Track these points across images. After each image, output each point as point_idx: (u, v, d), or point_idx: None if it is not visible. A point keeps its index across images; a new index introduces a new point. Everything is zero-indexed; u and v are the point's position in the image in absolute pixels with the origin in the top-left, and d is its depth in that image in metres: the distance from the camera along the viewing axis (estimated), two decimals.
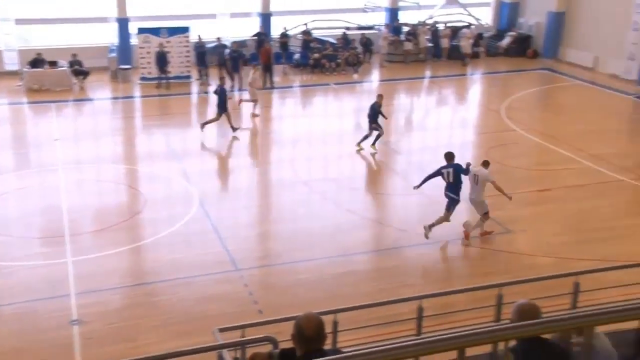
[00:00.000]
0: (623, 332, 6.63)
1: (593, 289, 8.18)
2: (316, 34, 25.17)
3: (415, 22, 26.52)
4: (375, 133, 15.59)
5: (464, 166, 11.53)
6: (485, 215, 11.57)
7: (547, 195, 13.66)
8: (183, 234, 11.44)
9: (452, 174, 11.42)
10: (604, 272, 7.99)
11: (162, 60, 21.30)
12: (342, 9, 26.77)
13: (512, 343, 3.36)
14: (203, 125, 16.81)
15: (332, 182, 14.00)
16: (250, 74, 18.69)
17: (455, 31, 26.46)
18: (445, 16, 27.48)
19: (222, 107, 16.65)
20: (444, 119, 19.31)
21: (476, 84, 24.33)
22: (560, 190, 13.64)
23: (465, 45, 25.51)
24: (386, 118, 15.98)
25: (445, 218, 11.40)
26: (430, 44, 25.94)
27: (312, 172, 14.63)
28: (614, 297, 7.86)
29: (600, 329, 4.69)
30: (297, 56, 24.16)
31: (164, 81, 21.48)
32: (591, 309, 2.85)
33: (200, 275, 10.04)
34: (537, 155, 15.91)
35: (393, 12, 26.91)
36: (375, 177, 14.63)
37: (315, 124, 18.24)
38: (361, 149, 15.60)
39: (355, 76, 23.38)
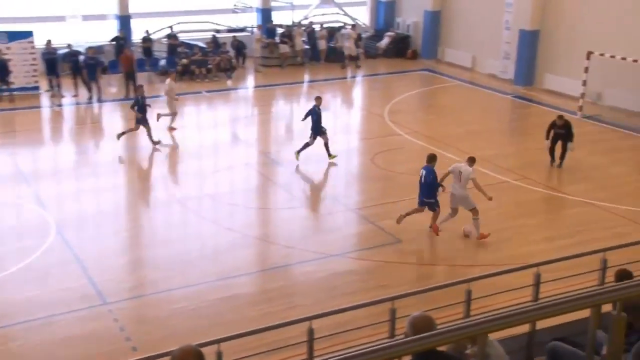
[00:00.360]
0: (514, 338, 7.10)
1: (485, 295, 8.68)
2: (183, 37, 24.82)
3: (289, 23, 26.90)
4: (320, 141, 15.76)
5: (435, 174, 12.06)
6: (474, 211, 12.21)
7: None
8: (37, 268, 10.81)
9: (425, 176, 12.14)
10: (494, 277, 8.50)
11: (1, 69, 20.06)
12: (210, 10, 26.57)
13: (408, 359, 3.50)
14: (119, 135, 16.70)
15: (209, 199, 13.84)
16: (167, 82, 18.20)
17: (332, 32, 27.17)
18: (320, 16, 28.16)
19: (144, 118, 16.47)
20: (326, 126, 19.70)
21: (357, 87, 25.11)
22: (447, 196, 14.37)
23: (350, 46, 26.19)
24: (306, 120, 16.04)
25: (437, 213, 12.18)
26: (307, 46, 26.41)
27: (187, 189, 14.40)
28: (505, 302, 8.39)
29: (493, 336, 4.99)
30: (162, 62, 23.67)
31: (5, 93, 20.24)
32: (483, 317, 3.02)
33: (62, 314, 9.53)
34: (423, 160, 16.53)
35: (265, 13, 27.13)
36: (257, 191, 14.65)
37: (189, 136, 17.97)
38: (333, 156, 15.84)
39: (229, 82, 23.32)
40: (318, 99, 16.00)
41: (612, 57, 19.06)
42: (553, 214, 13.62)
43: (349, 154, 17.48)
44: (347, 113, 21.70)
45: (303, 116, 16.05)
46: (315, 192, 14.87)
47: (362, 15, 29.37)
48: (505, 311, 3.06)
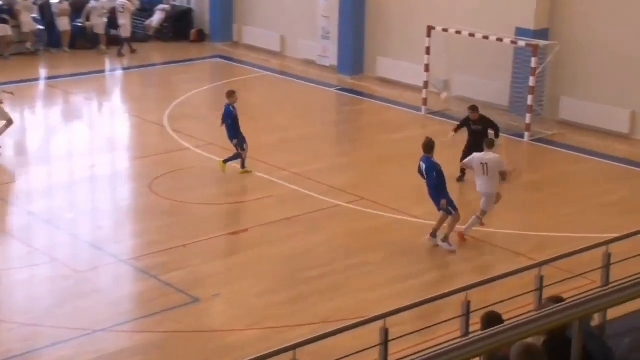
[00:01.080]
0: None
1: None
2: None
3: None
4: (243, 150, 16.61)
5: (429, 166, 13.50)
6: (484, 213, 13.79)
7: (243, 238, 14.45)
8: None
9: (425, 171, 13.62)
10: (323, 341, 8.57)
11: None
12: None
13: None
14: None
15: None
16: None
17: (78, 5, 26.51)
18: None
19: None
20: (77, 143, 19.21)
21: (122, 85, 24.71)
22: (261, 229, 14.55)
23: (125, 24, 25.87)
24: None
25: (456, 217, 13.62)
26: (40, 27, 25.62)
27: None
28: None
29: None
30: None
31: None
32: None
33: None
34: (224, 181, 16.74)
35: None
36: None
37: None
38: (247, 171, 16.74)
39: None
40: (231, 95, 16.66)
41: (458, 32, 20.51)
42: (401, 246, 14.26)
43: (116, 180, 17.13)
44: (109, 122, 21.29)
45: (220, 121, 16.77)
46: (67, 239, 14.37)
47: None
48: None
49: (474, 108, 16.37)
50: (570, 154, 18.49)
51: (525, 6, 20.01)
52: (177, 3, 28.39)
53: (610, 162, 17.86)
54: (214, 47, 27.05)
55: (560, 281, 10.11)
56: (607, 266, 9.77)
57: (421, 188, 16.84)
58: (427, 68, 21.13)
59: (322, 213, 15.24)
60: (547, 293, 9.14)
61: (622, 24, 18.95)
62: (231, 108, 16.61)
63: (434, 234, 13.83)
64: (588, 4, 19.55)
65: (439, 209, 13.71)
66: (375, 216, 15.17)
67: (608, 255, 9.75)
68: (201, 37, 27.78)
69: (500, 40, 19.70)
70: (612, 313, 8.14)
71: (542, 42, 19.33)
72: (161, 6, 27.88)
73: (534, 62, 18.82)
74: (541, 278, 9.30)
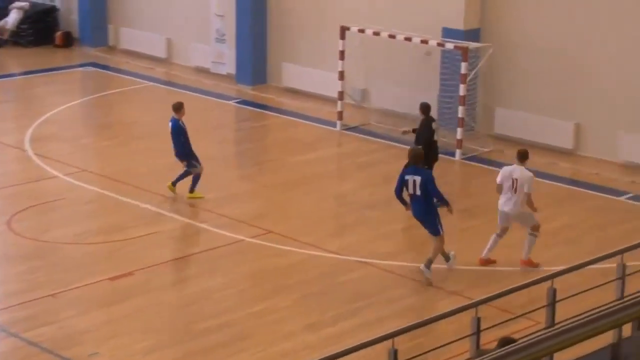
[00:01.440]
0: None
1: None
2: None
3: None
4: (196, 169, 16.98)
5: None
6: (535, 227, 14.43)
7: (126, 284, 14.31)
8: None
9: (420, 185, 13.83)
10: None
11: None
12: None
13: None
14: None
15: None
16: None
17: None
18: None
19: None
20: None
21: None
22: (148, 273, 14.49)
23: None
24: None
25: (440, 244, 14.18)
26: None
27: None
28: None
29: None
30: None
31: None
32: None
33: None
34: (101, 215, 16.69)
35: None
36: None
37: None
38: (198, 197, 17.04)
39: None
40: (179, 108, 17.13)
41: (377, 34, 20.78)
42: (316, 287, 14.38)
43: None
44: None
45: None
46: None
47: None
48: None
49: (425, 105, 17.25)
50: None
51: (453, 3, 20.44)
52: (37, 0, 28.08)
53: (553, 183, 18.41)
54: (85, 52, 26.89)
55: (500, 323, 10.37)
56: (552, 304, 10.09)
57: (339, 217, 16.97)
58: (341, 76, 21.36)
59: (221, 250, 15.26)
60: (485, 337, 9.42)
61: (564, 23, 19.49)
62: (180, 123, 16.93)
63: (428, 265, 14.23)
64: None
65: (431, 233, 14.28)
66: (284, 252, 15.29)
67: (553, 291, 10.08)
68: (68, 40, 27.58)
69: (425, 42, 20.08)
70: (559, 358, 8.45)
71: (472, 44, 19.78)
72: (17, 4, 27.56)
73: (464, 67, 19.27)
74: (478, 320, 9.52)
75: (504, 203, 14.48)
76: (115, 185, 17.71)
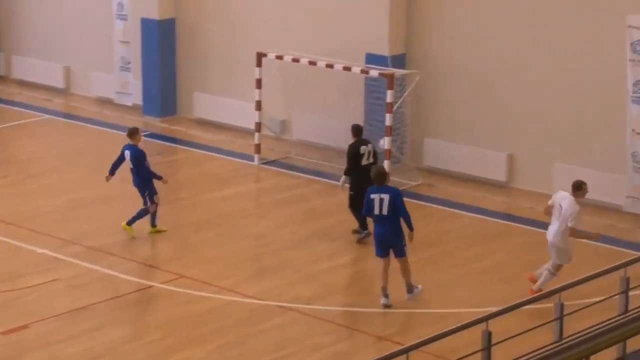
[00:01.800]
0: None
1: None
2: None
3: None
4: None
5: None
6: (558, 267, 14.52)
7: (21, 339, 14.08)
8: None
9: (388, 202, 13.93)
10: None
11: None
12: None
13: None
14: None
15: None
16: None
17: None
18: None
19: None
20: None
21: None
22: (46, 325, 14.29)
23: None
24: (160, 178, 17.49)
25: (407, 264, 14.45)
26: None
27: None
28: None
29: None
30: None
31: None
32: None
33: None
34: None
35: None
36: None
37: None
38: (162, 230, 17.28)
39: None
40: (135, 133, 17.27)
41: (296, 60, 20.88)
42: (233, 336, 14.25)
43: None
44: None
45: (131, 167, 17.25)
46: None
47: None
48: None
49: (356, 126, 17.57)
50: (439, 208, 19.16)
51: (376, 27, 20.63)
52: None
53: (486, 217, 18.63)
54: None
55: None
56: (487, 348, 10.15)
57: (257, 258, 16.95)
58: (258, 106, 21.46)
59: (128, 298, 15.14)
60: None
61: (493, 50, 19.77)
62: (140, 149, 16.99)
63: (410, 289, 14.55)
64: (452, 23, 20.29)
65: (398, 255, 14.45)
66: (198, 299, 15.20)
67: (488, 334, 10.13)
68: None
69: (347, 69, 20.18)
70: None
71: (398, 71, 19.94)
72: None
73: (389, 95, 19.41)
74: None
75: (549, 230, 14.69)
76: (8, 229, 17.50)
